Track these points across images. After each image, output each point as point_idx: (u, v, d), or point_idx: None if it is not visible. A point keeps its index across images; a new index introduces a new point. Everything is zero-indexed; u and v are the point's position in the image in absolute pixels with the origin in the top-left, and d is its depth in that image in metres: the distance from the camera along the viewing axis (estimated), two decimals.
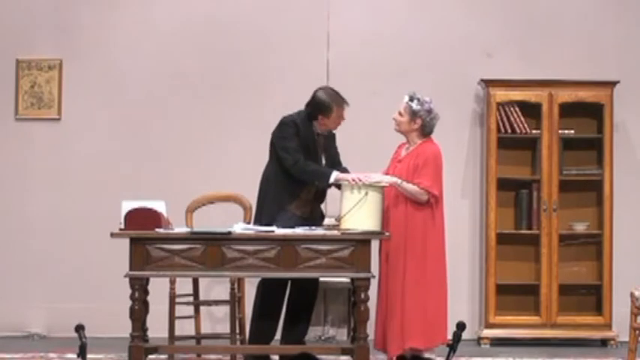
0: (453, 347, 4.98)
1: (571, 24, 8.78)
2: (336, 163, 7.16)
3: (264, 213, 6.98)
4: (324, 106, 7.00)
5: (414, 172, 6.84)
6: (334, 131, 7.19)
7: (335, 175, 6.84)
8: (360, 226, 6.46)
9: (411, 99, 6.95)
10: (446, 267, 6.86)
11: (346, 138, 8.07)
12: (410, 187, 6.80)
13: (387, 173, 6.95)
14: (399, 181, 6.82)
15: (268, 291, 6.98)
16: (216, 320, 8.51)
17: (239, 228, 6.57)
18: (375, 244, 6.62)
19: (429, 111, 6.93)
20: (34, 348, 7.98)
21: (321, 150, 7.12)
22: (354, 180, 6.59)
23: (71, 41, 8.75)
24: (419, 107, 6.92)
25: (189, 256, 6.35)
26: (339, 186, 6.82)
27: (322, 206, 7.28)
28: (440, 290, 6.84)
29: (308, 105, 7.06)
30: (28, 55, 8.73)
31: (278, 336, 7.10)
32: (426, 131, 6.97)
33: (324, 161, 7.12)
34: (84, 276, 8.58)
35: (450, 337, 6.21)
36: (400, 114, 6.97)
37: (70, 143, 8.71)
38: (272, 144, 7.07)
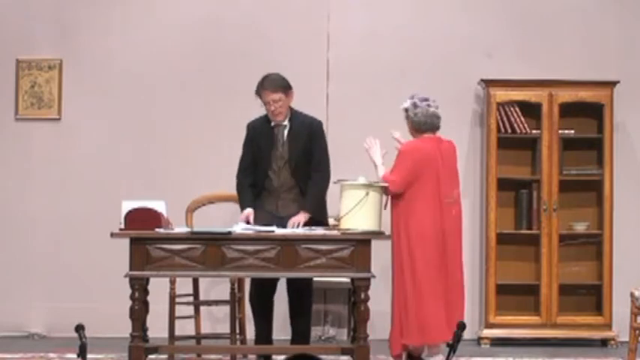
0: (453, 347, 4.99)
1: (571, 24, 8.78)
2: (314, 163, 6.96)
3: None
4: (257, 95, 7.03)
5: None
6: (316, 129, 7.03)
7: (244, 214, 6.89)
8: (360, 226, 6.46)
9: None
10: (424, 262, 6.76)
11: (346, 138, 8.09)
12: (379, 175, 6.84)
13: None
14: (381, 171, 6.86)
15: (252, 293, 7.01)
16: (216, 320, 8.51)
17: (239, 228, 6.57)
18: (377, 245, 6.61)
19: (414, 105, 6.86)
20: (34, 348, 7.98)
21: (281, 143, 6.99)
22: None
23: (71, 41, 8.75)
24: (406, 104, 6.90)
25: (189, 256, 6.35)
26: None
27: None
28: (414, 288, 6.72)
29: None
30: (28, 55, 8.73)
31: (278, 336, 7.10)
32: (415, 127, 6.91)
33: (280, 153, 6.98)
34: (84, 276, 8.58)
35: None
36: None
37: (70, 143, 8.70)
38: None
